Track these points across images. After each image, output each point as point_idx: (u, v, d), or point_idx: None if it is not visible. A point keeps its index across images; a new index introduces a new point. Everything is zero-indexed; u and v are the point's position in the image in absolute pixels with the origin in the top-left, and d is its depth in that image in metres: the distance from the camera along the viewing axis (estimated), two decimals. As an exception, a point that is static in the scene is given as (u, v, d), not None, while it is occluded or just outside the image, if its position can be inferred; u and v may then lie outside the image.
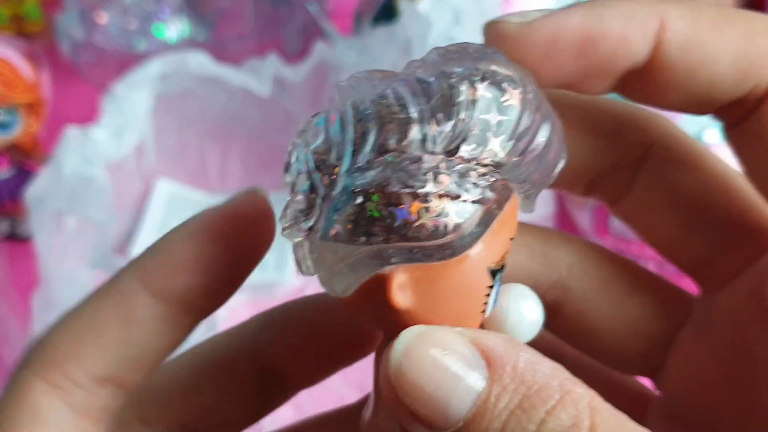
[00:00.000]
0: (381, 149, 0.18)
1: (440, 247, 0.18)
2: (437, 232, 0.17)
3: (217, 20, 0.73)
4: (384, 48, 0.61)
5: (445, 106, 0.18)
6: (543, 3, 0.63)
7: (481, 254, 0.18)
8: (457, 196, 0.18)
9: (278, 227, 0.20)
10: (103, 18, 0.70)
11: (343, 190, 0.18)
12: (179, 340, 0.22)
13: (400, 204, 0.18)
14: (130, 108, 0.60)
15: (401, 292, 0.18)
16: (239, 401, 0.24)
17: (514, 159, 0.18)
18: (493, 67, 0.18)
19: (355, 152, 0.18)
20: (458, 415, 0.16)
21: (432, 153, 0.18)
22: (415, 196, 0.18)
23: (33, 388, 0.20)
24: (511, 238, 0.19)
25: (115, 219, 0.59)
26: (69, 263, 0.54)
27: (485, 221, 0.18)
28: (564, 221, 0.63)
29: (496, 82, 0.18)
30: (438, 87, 0.18)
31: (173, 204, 0.66)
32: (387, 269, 0.18)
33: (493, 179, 0.18)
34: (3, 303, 0.59)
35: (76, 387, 0.20)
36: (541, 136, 0.19)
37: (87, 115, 0.64)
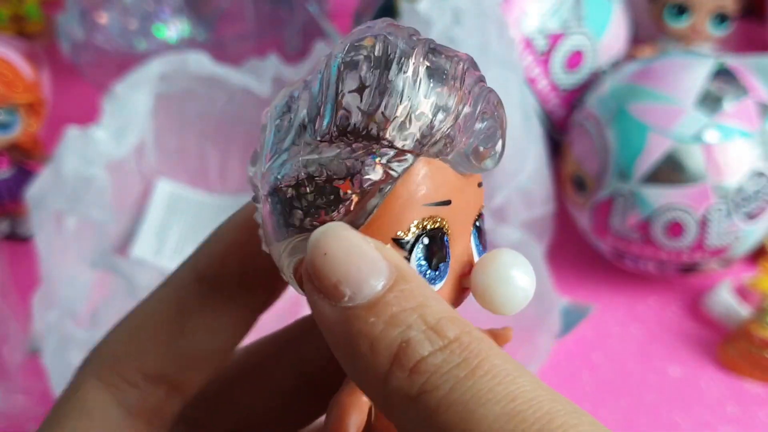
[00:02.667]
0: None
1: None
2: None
3: (217, 20, 0.73)
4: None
5: (318, 90, 0.18)
6: (541, 5, 0.63)
7: (374, 227, 0.19)
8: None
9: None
10: (104, 18, 0.70)
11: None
12: (237, 337, 0.21)
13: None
14: (131, 108, 0.60)
15: None
16: (285, 407, 0.23)
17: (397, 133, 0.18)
18: (354, 52, 0.18)
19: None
20: (373, 290, 0.17)
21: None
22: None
23: (86, 385, 0.20)
24: (444, 203, 0.19)
25: (115, 219, 0.59)
26: (69, 263, 0.54)
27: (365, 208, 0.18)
28: (564, 222, 0.63)
29: (353, 61, 0.18)
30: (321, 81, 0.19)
31: (173, 204, 0.66)
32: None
33: (388, 155, 0.18)
34: (3, 303, 0.59)
35: (129, 386, 0.20)
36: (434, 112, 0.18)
37: (87, 115, 0.64)
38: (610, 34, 0.66)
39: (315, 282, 0.17)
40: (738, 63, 0.58)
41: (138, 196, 0.66)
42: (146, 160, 0.66)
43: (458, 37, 0.55)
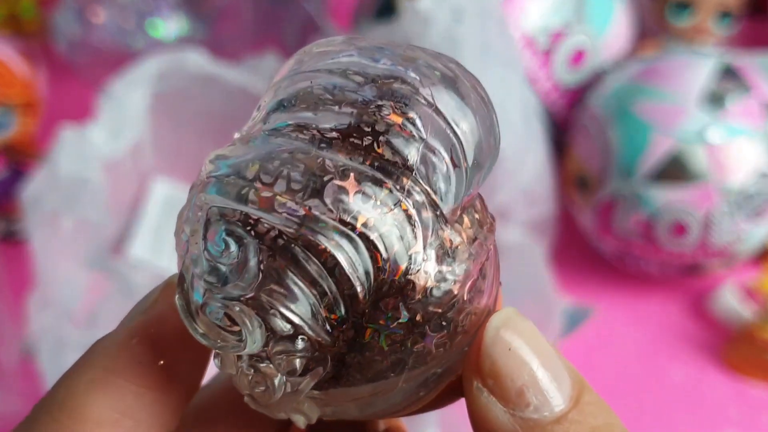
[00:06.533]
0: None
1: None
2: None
3: (216, 18, 0.73)
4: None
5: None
6: (542, 4, 0.62)
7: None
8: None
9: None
10: (100, 16, 0.69)
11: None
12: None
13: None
14: (127, 107, 0.59)
15: None
16: None
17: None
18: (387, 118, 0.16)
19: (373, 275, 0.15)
20: (562, 402, 0.15)
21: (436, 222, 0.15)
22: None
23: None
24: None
25: (111, 219, 0.58)
26: (65, 264, 0.53)
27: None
28: (566, 223, 0.63)
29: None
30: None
31: (170, 204, 0.65)
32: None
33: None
34: (-2, 304, 0.59)
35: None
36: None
37: (83, 114, 0.63)
38: (613, 32, 0.65)
39: (491, 381, 0.15)
40: (742, 61, 0.58)
41: (135, 196, 0.66)
42: (143, 160, 0.65)
43: (459, 36, 0.55)
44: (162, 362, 0.17)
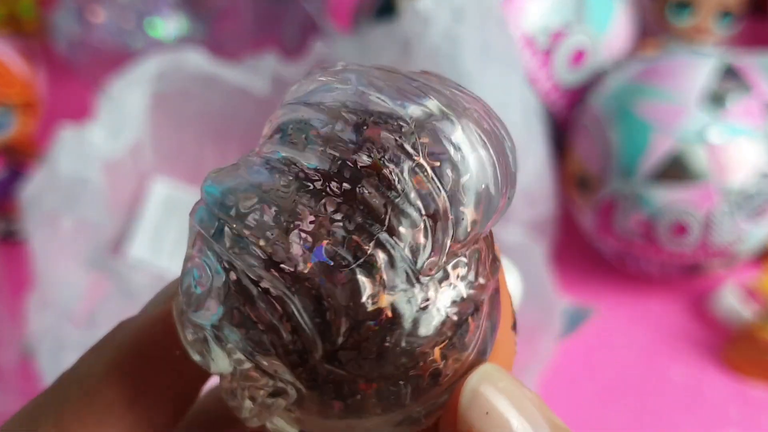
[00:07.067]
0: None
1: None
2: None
3: (216, 18, 0.73)
4: (384, 46, 0.60)
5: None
6: (542, 4, 0.62)
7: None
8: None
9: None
10: (99, 16, 0.69)
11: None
12: None
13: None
14: (127, 107, 0.59)
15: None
16: None
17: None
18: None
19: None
20: None
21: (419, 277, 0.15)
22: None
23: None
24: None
25: (111, 219, 0.58)
26: (64, 264, 0.53)
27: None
28: (566, 222, 0.62)
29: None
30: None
31: (169, 204, 0.65)
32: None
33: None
34: (-3, 304, 0.58)
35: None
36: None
37: (83, 114, 0.63)
38: (613, 32, 0.65)
39: None
40: (743, 61, 0.57)
41: (134, 196, 0.66)
42: (143, 160, 0.65)
43: (459, 36, 0.55)
44: (178, 352, 0.17)
